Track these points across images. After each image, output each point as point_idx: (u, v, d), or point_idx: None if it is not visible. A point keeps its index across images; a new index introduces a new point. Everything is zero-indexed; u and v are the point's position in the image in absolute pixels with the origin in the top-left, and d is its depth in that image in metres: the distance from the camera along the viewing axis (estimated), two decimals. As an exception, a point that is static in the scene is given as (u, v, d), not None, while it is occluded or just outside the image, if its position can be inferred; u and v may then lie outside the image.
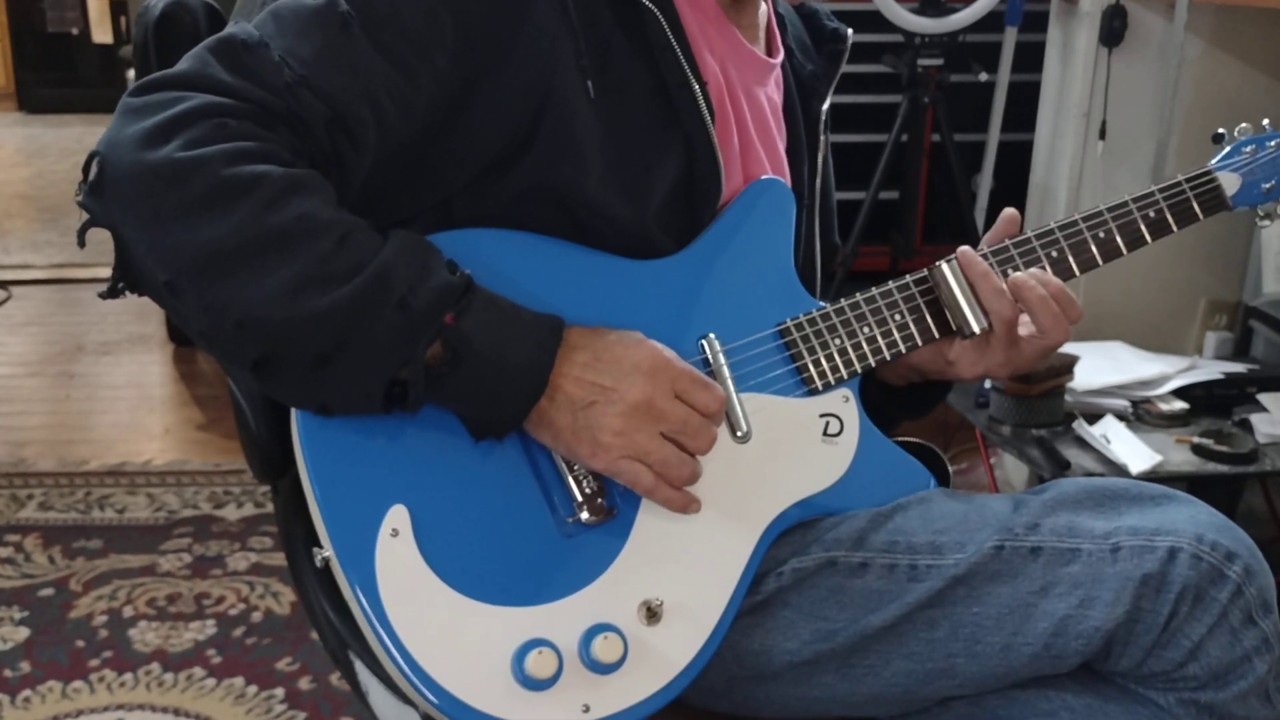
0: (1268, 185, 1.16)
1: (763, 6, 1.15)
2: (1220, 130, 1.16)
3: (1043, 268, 1.09)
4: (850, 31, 1.20)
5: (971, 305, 1.06)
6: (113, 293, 0.88)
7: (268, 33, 0.91)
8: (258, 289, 0.84)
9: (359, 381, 0.88)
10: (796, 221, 1.13)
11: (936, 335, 1.08)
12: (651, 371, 0.94)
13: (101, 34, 7.60)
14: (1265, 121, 1.18)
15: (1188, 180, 1.15)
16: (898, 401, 1.17)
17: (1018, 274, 1.06)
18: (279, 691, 2.00)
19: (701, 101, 1.02)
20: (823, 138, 1.20)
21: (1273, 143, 1.16)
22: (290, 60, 0.89)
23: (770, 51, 1.16)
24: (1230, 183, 1.14)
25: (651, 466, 0.94)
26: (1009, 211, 1.11)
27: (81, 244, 0.88)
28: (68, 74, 7.64)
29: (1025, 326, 1.07)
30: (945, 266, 1.07)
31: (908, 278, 1.09)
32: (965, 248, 1.08)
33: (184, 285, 0.85)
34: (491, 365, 0.90)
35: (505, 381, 0.91)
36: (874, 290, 1.08)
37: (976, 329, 1.06)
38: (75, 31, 7.61)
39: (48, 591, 2.30)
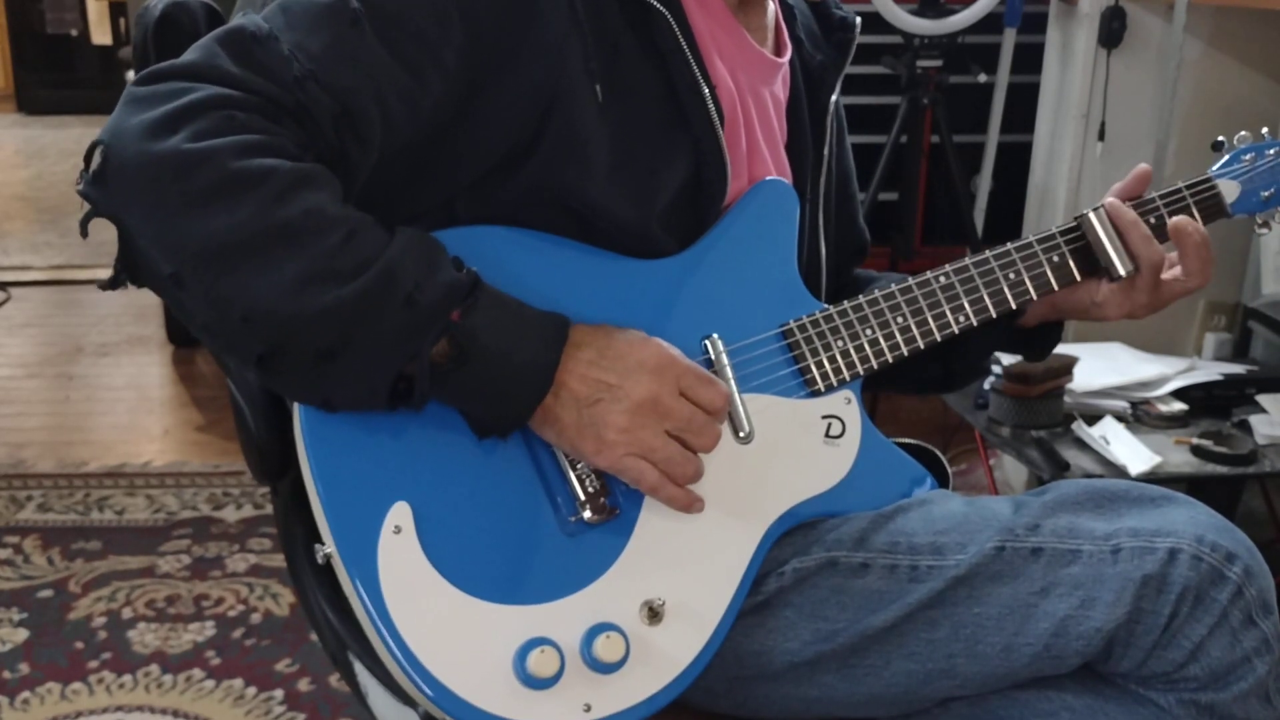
0: (1266, 193, 1.17)
1: (770, 7, 1.14)
2: (1220, 138, 1.17)
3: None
4: (859, 20, 1.20)
5: (1119, 250, 1.10)
6: (114, 283, 0.88)
7: (277, 26, 0.90)
8: (264, 283, 0.83)
9: (364, 377, 0.88)
10: (799, 220, 1.13)
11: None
12: (657, 369, 0.94)
13: (101, 35, 7.61)
14: (1264, 130, 1.20)
15: (1188, 186, 1.16)
16: (1022, 341, 1.21)
17: (1178, 218, 1.11)
18: (278, 693, 2.00)
19: (711, 105, 1.02)
20: (831, 130, 1.19)
21: (1271, 151, 1.17)
22: (299, 54, 0.89)
23: (778, 50, 1.16)
24: (1230, 190, 1.15)
25: (656, 464, 0.94)
26: (1142, 168, 1.15)
27: (84, 234, 0.87)
28: (67, 75, 7.65)
29: (1170, 270, 1.12)
30: (1094, 215, 1.11)
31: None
32: (1113, 200, 1.12)
33: (189, 278, 0.84)
34: (497, 362, 0.90)
35: (511, 379, 0.91)
36: (876, 292, 1.09)
37: (1124, 271, 1.10)
38: (74, 33, 7.61)
39: (47, 593, 2.30)
